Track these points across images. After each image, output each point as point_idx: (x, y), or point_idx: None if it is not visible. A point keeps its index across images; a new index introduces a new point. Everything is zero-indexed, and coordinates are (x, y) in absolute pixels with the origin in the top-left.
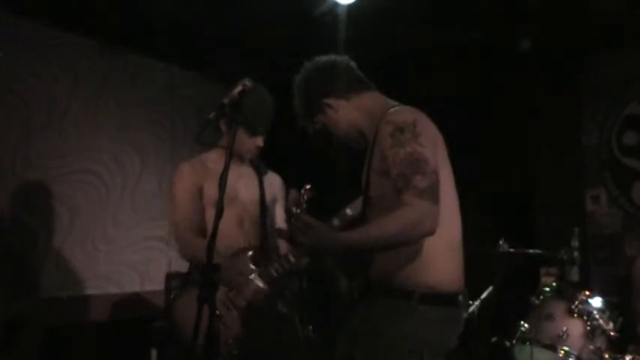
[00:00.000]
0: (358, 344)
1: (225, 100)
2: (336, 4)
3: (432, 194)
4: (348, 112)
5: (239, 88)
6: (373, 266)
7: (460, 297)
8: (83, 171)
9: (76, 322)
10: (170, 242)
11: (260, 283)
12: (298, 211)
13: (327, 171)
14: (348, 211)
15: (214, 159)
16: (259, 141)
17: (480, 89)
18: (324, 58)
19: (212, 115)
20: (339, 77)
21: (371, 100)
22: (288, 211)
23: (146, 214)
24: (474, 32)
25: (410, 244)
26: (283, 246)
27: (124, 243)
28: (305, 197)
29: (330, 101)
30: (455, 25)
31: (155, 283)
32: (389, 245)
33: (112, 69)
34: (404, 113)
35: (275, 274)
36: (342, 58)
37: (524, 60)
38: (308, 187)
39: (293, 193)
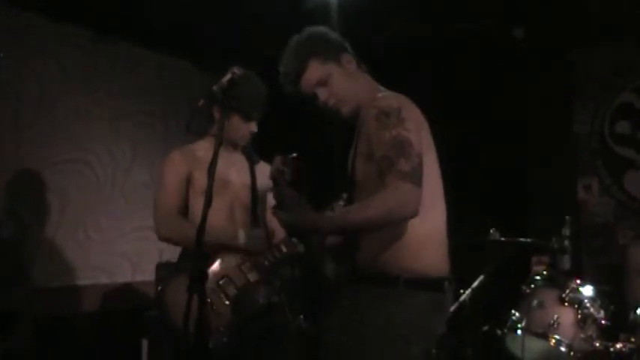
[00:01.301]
0: (346, 331)
1: (215, 87)
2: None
3: (415, 177)
4: (346, 78)
5: (228, 76)
6: (359, 252)
7: (446, 283)
8: (74, 161)
9: (68, 312)
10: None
11: (251, 272)
12: (281, 181)
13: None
14: None
15: (205, 147)
16: (253, 126)
17: (471, 80)
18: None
19: (201, 102)
20: (342, 43)
21: (366, 80)
22: (272, 180)
23: (138, 204)
24: (466, 25)
25: (392, 226)
26: (278, 234)
27: (115, 233)
28: (290, 167)
29: (332, 60)
30: (447, 18)
31: (147, 274)
32: (371, 227)
33: (102, 59)
34: (390, 99)
35: (266, 262)
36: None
37: (516, 50)
38: (294, 155)
39: (277, 159)
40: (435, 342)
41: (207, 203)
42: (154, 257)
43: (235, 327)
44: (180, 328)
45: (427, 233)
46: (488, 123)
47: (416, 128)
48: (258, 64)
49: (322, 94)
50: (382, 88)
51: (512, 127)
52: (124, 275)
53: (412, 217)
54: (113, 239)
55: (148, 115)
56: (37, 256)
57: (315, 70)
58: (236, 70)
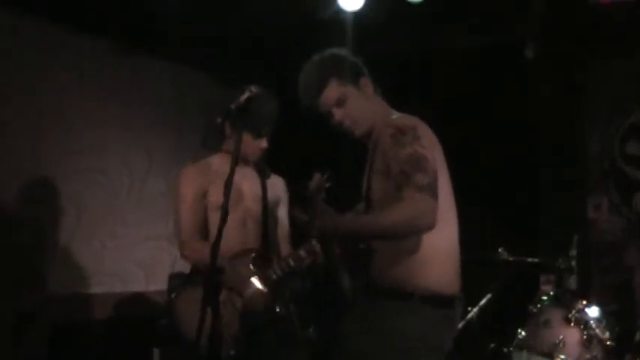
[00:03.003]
0: (358, 342)
1: (233, 106)
2: (341, 11)
3: (432, 190)
4: (362, 101)
5: (246, 95)
6: (373, 266)
7: (456, 300)
8: (91, 170)
9: (81, 319)
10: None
11: (259, 285)
12: (318, 197)
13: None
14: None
15: (219, 162)
16: (264, 142)
17: (482, 95)
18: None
19: (219, 120)
20: (361, 67)
21: (380, 104)
22: (307, 195)
23: (153, 213)
24: (479, 38)
25: (408, 239)
26: (285, 248)
27: (130, 241)
28: (326, 184)
29: (351, 83)
30: (460, 30)
31: (160, 283)
32: (388, 236)
33: (119, 69)
34: (405, 119)
35: (274, 276)
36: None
37: (527, 67)
38: (329, 174)
39: (317, 177)
40: (443, 358)
41: (224, 219)
42: (167, 266)
43: (243, 338)
44: (191, 338)
45: (441, 250)
46: (499, 143)
47: (430, 146)
48: (271, 77)
49: (338, 114)
50: (395, 111)
51: (524, 146)
52: (137, 284)
53: (429, 228)
54: (127, 247)
55: (163, 125)
56: (52, 262)
57: (334, 90)
58: (253, 89)
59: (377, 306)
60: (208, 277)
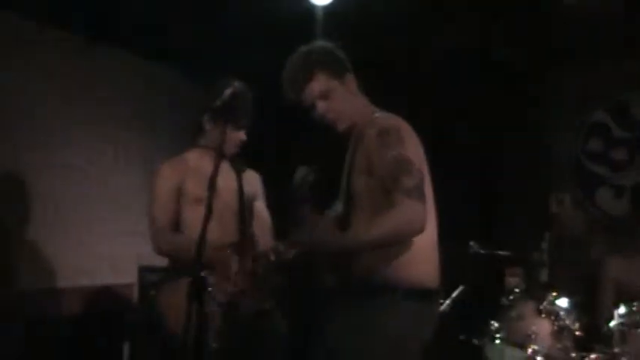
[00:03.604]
0: (342, 339)
1: (218, 102)
2: (313, 6)
3: (419, 193)
4: (346, 96)
5: (230, 91)
6: (356, 262)
7: (436, 294)
8: (58, 164)
9: (49, 314)
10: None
11: (240, 279)
12: (302, 191)
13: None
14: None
15: (195, 157)
16: (243, 135)
17: (449, 95)
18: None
19: (206, 117)
20: (347, 63)
21: (363, 102)
22: (292, 191)
23: (120, 207)
24: (447, 40)
25: (401, 242)
26: (266, 241)
27: (97, 236)
28: (311, 178)
29: (337, 77)
30: (428, 31)
31: (126, 276)
32: (382, 246)
33: (91, 65)
34: (389, 119)
35: (255, 270)
36: None
37: (493, 66)
38: (315, 167)
39: (301, 170)
40: (422, 351)
41: (208, 214)
42: (133, 260)
43: (225, 333)
44: (175, 333)
45: (423, 246)
46: (464, 137)
47: (413, 147)
48: (244, 74)
49: (322, 107)
50: (377, 109)
51: (488, 143)
52: (104, 278)
53: (421, 232)
54: (94, 242)
55: (133, 121)
56: (20, 258)
57: (319, 83)
58: (236, 85)
59: (360, 302)
60: (194, 272)
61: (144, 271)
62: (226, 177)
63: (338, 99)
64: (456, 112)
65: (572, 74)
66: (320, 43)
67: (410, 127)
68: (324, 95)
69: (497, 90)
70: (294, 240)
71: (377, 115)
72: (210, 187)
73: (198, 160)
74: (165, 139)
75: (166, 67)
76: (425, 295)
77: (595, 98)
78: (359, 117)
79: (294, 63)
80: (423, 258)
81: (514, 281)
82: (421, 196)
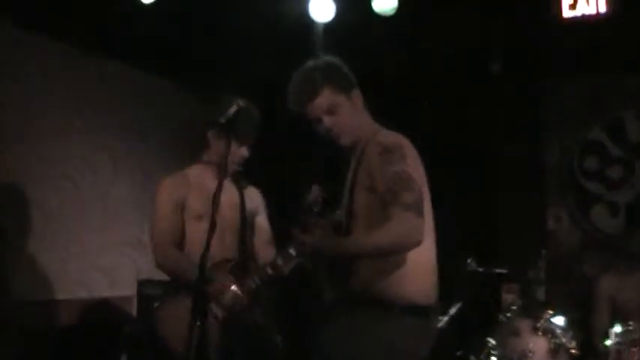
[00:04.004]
0: (338, 352)
1: (222, 119)
2: (313, 23)
3: (418, 208)
4: (352, 112)
5: (234, 108)
6: (353, 276)
7: (433, 310)
8: (56, 175)
9: (46, 326)
10: (136, 247)
11: (238, 294)
12: (314, 208)
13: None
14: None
15: (197, 173)
16: (246, 151)
17: (445, 110)
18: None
19: (210, 133)
20: (353, 79)
21: (368, 118)
22: (305, 208)
23: (117, 219)
24: (445, 55)
25: (396, 255)
26: (268, 255)
27: (94, 247)
28: (322, 196)
29: (344, 93)
30: (425, 46)
31: (124, 289)
32: (378, 255)
33: (87, 74)
34: (392, 136)
35: (253, 285)
36: None
37: (489, 82)
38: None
39: (315, 189)
40: None
41: (211, 231)
42: (131, 272)
43: (224, 348)
44: (174, 347)
45: (421, 262)
46: (461, 153)
47: (415, 165)
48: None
49: (328, 121)
50: (381, 127)
51: (485, 160)
52: (101, 290)
53: (416, 246)
54: (92, 254)
55: (129, 131)
56: (17, 269)
57: (326, 98)
58: (240, 102)
59: (357, 316)
60: (196, 288)
61: (143, 283)
62: (228, 193)
63: (344, 114)
64: (452, 128)
65: (570, 92)
66: (327, 58)
67: (412, 145)
68: (331, 110)
69: (494, 107)
70: (299, 242)
71: (380, 132)
72: (214, 203)
73: (200, 176)
74: (163, 151)
75: (164, 79)
76: (422, 311)
77: (591, 116)
78: (363, 133)
79: (301, 77)
80: (420, 274)
81: (511, 298)
82: (420, 212)
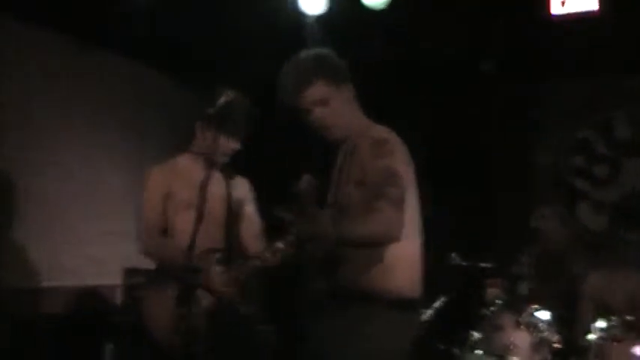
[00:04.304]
0: (327, 344)
1: (211, 110)
2: (304, 16)
3: (400, 205)
4: (344, 105)
5: (224, 99)
6: (343, 270)
7: (418, 303)
8: (47, 164)
9: (33, 314)
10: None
11: (225, 284)
12: (306, 198)
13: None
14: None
15: (185, 163)
16: (236, 144)
17: (438, 108)
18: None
19: (199, 124)
20: (348, 72)
21: (359, 112)
22: (296, 196)
23: (109, 208)
24: (438, 51)
25: (376, 247)
26: (257, 246)
27: (85, 236)
28: (314, 186)
29: (336, 85)
30: (419, 41)
31: (112, 277)
32: (357, 244)
33: (83, 67)
34: (382, 132)
35: (240, 276)
36: None
37: (482, 81)
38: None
39: (306, 178)
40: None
41: (198, 221)
42: (119, 261)
43: (210, 338)
44: (161, 336)
45: (408, 257)
46: (451, 149)
47: (402, 162)
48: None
49: (319, 113)
50: (371, 122)
51: (473, 156)
52: (89, 278)
53: (396, 240)
54: (79, 242)
55: (124, 122)
56: (4, 257)
57: (319, 89)
58: (230, 93)
59: (346, 309)
60: (183, 277)
61: (129, 272)
62: (215, 184)
63: (336, 107)
64: (441, 126)
65: (560, 91)
66: (321, 49)
67: (401, 141)
68: (323, 102)
69: (483, 104)
70: (299, 228)
71: (372, 127)
72: (201, 194)
73: (189, 166)
74: (154, 142)
75: (159, 73)
76: (407, 305)
77: (581, 115)
78: (354, 127)
79: (294, 67)
80: (407, 270)
81: (494, 293)
82: (401, 207)
